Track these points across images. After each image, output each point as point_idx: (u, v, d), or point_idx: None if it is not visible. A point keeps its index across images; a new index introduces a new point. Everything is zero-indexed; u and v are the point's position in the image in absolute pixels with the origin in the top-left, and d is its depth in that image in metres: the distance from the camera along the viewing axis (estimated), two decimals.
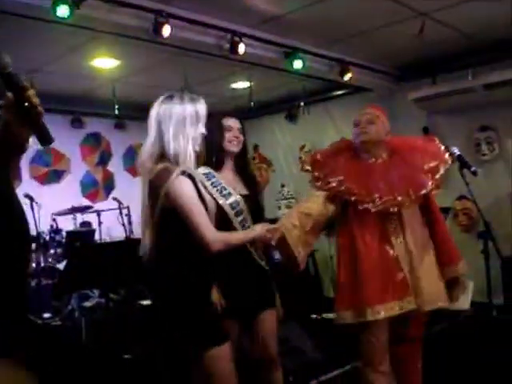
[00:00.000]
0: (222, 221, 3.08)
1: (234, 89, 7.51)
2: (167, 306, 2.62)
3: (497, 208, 6.35)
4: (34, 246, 6.48)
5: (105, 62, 6.07)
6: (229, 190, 3.14)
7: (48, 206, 7.01)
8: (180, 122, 2.58)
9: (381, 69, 6.96)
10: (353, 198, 3.02)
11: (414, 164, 3.10)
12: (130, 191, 7.10)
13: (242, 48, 5.15)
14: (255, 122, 8.47)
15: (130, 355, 4.92)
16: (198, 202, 2.52)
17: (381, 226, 3.06)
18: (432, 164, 3.07)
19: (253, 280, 3.16)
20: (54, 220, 7.15)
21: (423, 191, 3.02)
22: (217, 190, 3.11)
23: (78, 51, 5.57)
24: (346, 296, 3.06)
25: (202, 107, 2.65)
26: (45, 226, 6.94)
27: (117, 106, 7.10)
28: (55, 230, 7.05)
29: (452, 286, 3.19)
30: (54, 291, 6.32)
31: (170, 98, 2.64)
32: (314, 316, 6.27)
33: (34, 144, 1.61)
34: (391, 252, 3.03)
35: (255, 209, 3.24)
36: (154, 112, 2.64)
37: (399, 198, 2.98)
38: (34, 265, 6.40)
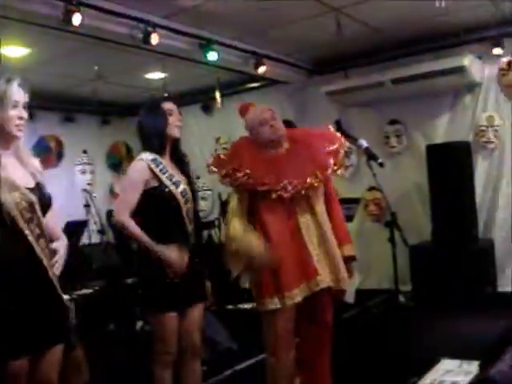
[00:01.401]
0: (173, 208, 3.09)
1: (148, 79, 7.42)
2: None
3: (405, 198, 6.60)
4: None
5: (14, 51, 5.86)
6: (176, 177, 3.14)
7: None
8: None
9: (295, 62, 7.06)
10: (265, 188, 3.08)
11: (315, 148, 3.21)
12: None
13: (155, 39, 5.10)
14: None
15: None
16: None
17: (289, 211, 3.13)
18: (332, 147, 3.20)
19: (189, 274, 3.15)
20: None
21: (329, 170, 3.15)
22: (166, 177, 3.09)
23: None
24: (270, 283, 3.09)
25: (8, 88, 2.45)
26: None
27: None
28: None
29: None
30: None
31: None
32: (230, 307, 6.30)
33: None
34: (299, 236, 3.11)
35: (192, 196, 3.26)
36: None
37: (308, 180, 3.08)
38: None
